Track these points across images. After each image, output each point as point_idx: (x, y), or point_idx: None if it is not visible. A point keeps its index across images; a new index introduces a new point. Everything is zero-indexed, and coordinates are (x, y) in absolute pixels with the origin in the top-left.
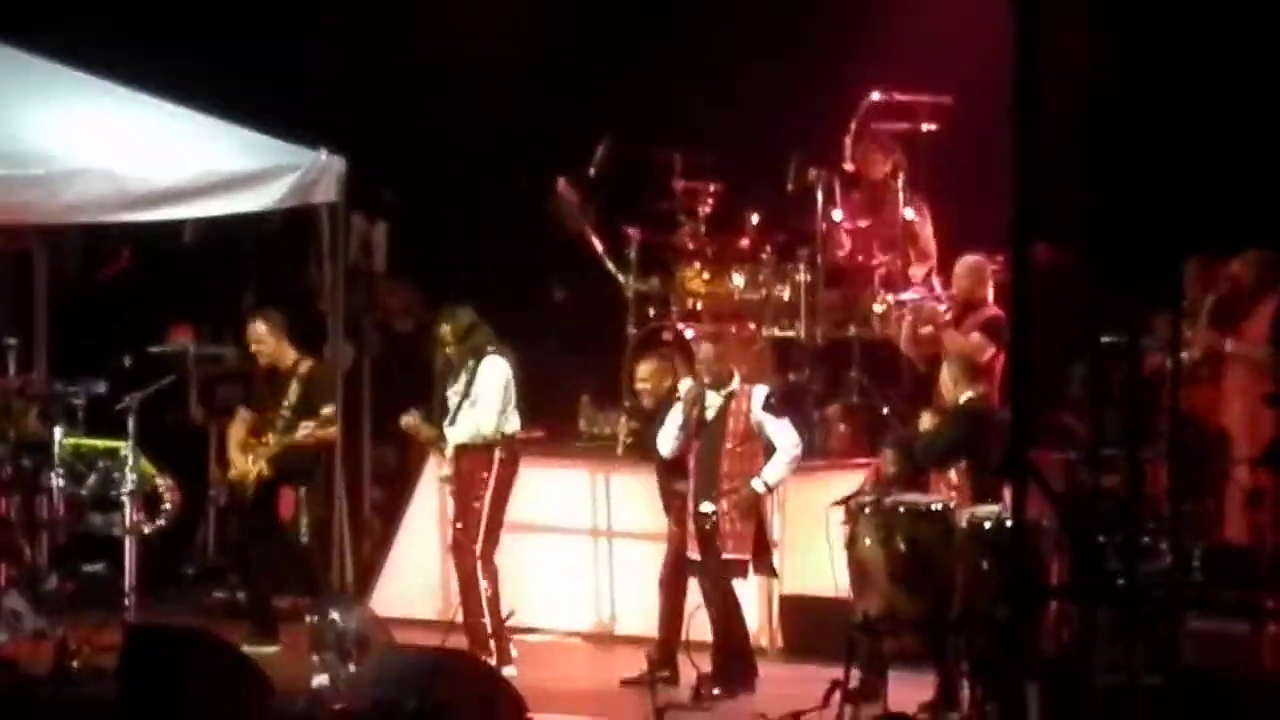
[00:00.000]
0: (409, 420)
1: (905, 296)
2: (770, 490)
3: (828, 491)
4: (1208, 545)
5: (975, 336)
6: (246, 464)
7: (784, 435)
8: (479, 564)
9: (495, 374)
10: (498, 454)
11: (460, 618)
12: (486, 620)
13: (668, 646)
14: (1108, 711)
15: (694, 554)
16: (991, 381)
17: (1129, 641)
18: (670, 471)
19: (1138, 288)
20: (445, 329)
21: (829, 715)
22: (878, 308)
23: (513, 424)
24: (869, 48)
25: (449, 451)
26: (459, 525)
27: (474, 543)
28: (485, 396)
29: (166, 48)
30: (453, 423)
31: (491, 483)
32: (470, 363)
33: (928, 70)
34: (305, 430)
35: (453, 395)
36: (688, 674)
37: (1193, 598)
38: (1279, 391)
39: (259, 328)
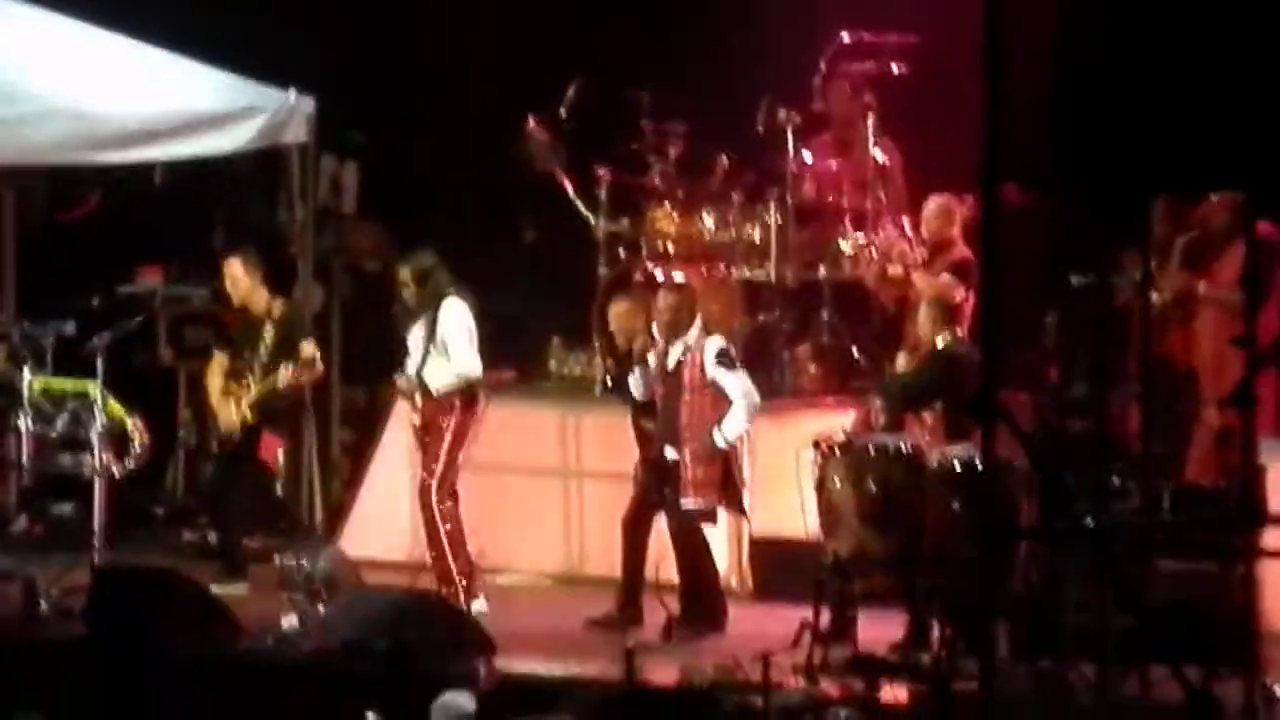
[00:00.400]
0: (404, 383)
1: (875, 237)
2: (730, 445)
3: (798, 432)
4: (1177, 486)
5: (945, 278)
6: (231, 412)
7: (736, 388)
8: (435, 504)
9: (460, 316)
10: (459, 399)
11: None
12: (451, 559)
13: (632, 587)
14: (1077, 651)
15: (665, 501)
16: (963, 323)
17: (1098, 581)
18: (642, 411)
19: (1107, 228)
20: (404, 272)
21: (799, 655)
22: (847, 247)
23: (476, 368)
24: None
25: (418, 399)
26: (423, 467)
27: (435, 484)
28: (456, 339)
29: None
30: (420, 368)
31: (454, 425)
32: (431, 306)
33: (896, 11)
34: (288, 373)
35: (414, 340)
36: (654, 615)
37: (1162, 539)
38: (1248, 333)
39: (236, 266)
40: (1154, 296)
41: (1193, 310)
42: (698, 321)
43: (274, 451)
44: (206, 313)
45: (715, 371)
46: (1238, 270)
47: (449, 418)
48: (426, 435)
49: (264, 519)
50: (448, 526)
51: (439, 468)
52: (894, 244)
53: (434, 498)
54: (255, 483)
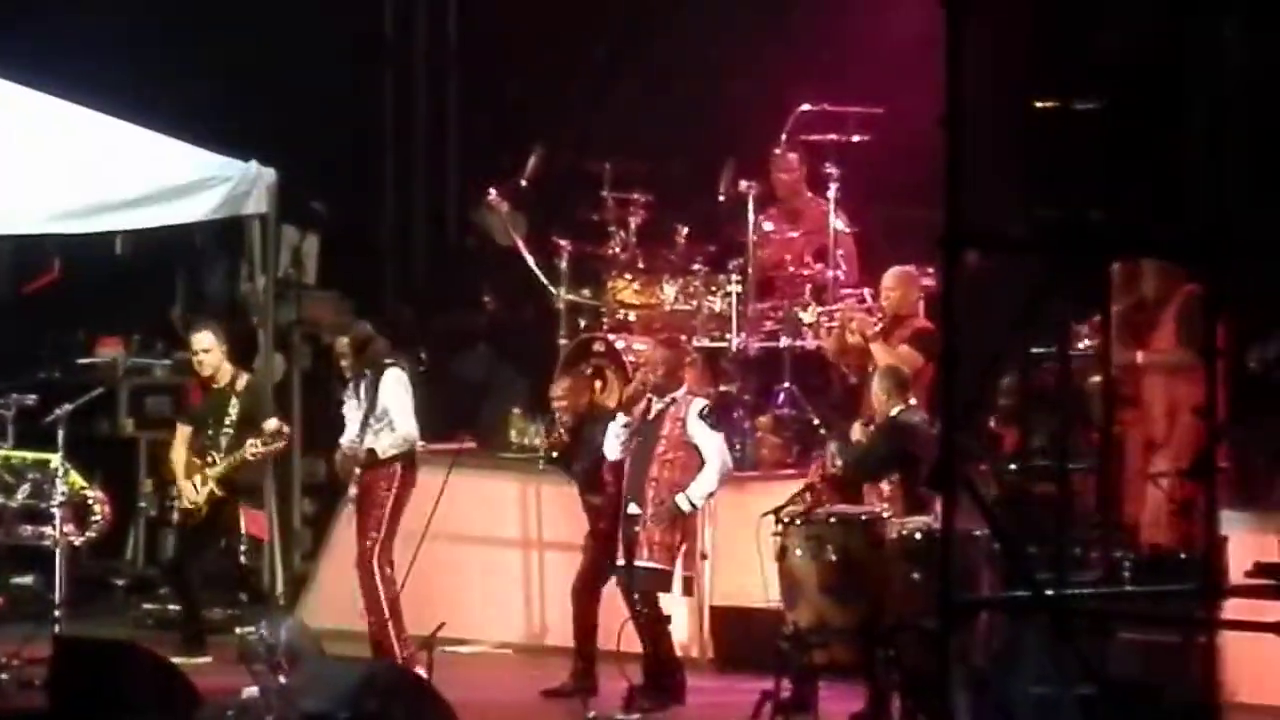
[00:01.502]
0: (346, 451)
1: (834, 307)
2: (695, 509)
3: (759, 502)
4: (1137, 556)
5: (904, 349)
6: (196, 490)
7: (714, 449)
8: (377, 570)
9: (400, 384)
10: (400, 465)
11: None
12: (391, 626)
13: (586, 655)
14: None
15: (620, 559)
16: (920, 393)
17: (1059, 652)
18: (587, 486)
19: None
20: (342, 341)
21: None
22: (806, 317)
23: (416, 435)
24: (800, 59)
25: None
26: (362, 535)
27: (376, 551)
28: (398, 407)
29: (97, 60)
30: (359, 437)
31: (393, 493)
32: (369, 375)
33: (858, 81)
34: (254, 449)
35: (349, 409)
36: (614, 684)
37: (1123, 609)
38: (1208, 404)
39: (208, 336)
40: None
41: (1140, 381)
42: (685, 384)
43: (262, 526)
44: (167, 383)
45: (696, 427)
46: (1173, 332)
47: (389, 484)
48: (363, 502)
49: (225, 588)
50: (388, 593)
51: (380, 535)
52: (853, 314)
53: (375, 564)
54: (219, 555)
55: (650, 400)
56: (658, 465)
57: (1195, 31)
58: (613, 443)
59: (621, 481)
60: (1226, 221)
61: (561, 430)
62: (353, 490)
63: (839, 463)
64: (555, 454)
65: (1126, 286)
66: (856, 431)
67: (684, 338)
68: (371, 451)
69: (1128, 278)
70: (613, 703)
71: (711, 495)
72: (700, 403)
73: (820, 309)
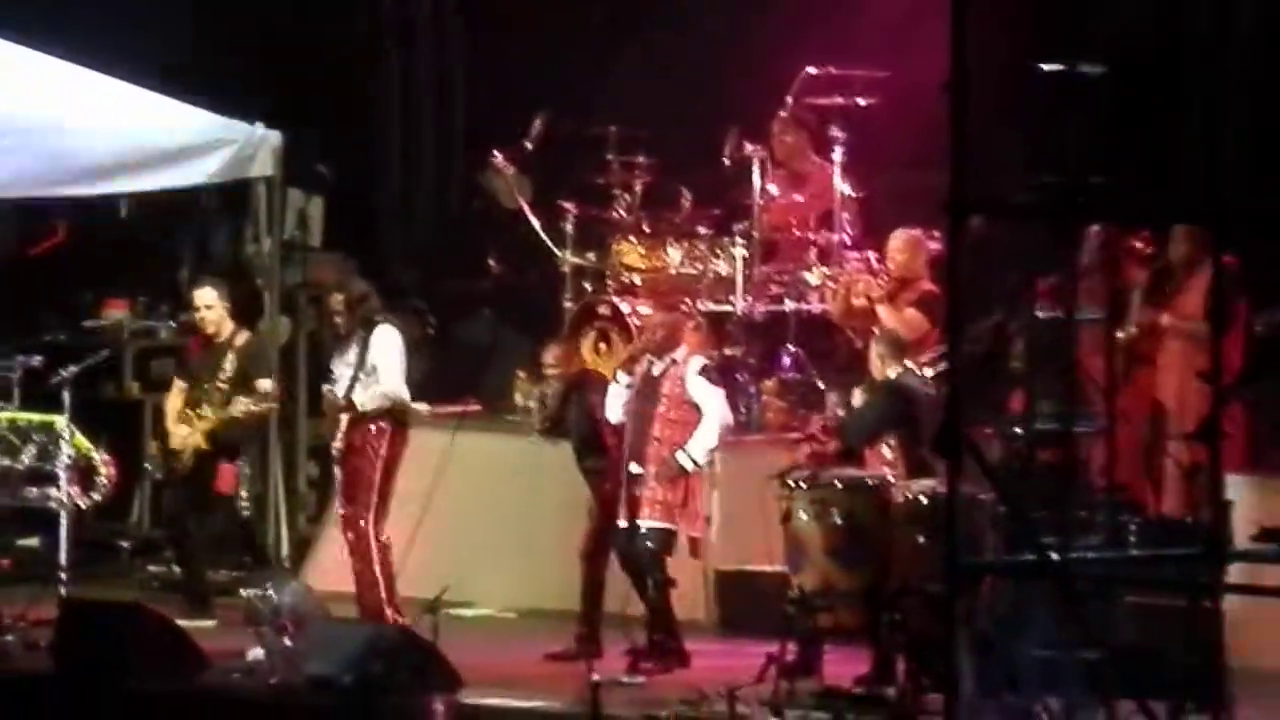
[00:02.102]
0: (330, 399)
1: (840, 271)
2: (698, 466)
3: (763, 465)
4: (1143, 520)
5: (910, 313)
6: (183, 437)
7: (713, 403)
8: (373, 538)
9: (390, 341)
10: (389, 425)
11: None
12: (384, 591)
13: (591, 619)
14: (1043, 686)
15: (622, 520)
16: (922, 357)
17: (1064, 616)
18: (584, 451)
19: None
20: (337, 298)
21: (764, 689)
22: (812, 279)
23: (405, 394)
24: (805, 22)
25: (343, 424)
26: (348, 499)
27: (366, 514)
28: (386, 364)
29: (104, 21)
30: (348, 393)
31: (384, 453)
32: (361, 332)
33: (862, 44)
34: (243, 406)
35: (342, 365)
36: (613, 648)
37: (1128, 573)
38: (1213, 367)
39: (210, 293)
40: (1119, 331)
41: (1157, 344)
42: (684, 346)
43: (230, 481)
44: (173, 345)
45: (695, 383)
46: (1200, 301)
47: (377, 444)
48: (348, 461)
49: (225, 547)
50: (382, 560)
51: (373, 499)
52: (859, 277)
53: (370, 530)
54: (214, 512)
55: (650, 361)
56: (660, 424)
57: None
58: (614, 405)
59: (619, 440)
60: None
61: (546, 403)
62: (337, 444)
63: (840, 412)
64: (547, 428)
65: (1117, 247)
66: (857, 396)
67: (686, 301)
68: (350, 403)
69: (1115, 238)
70: (617, 665)
71: (712, 451)
72: (700, 360)
73: (825, 271)
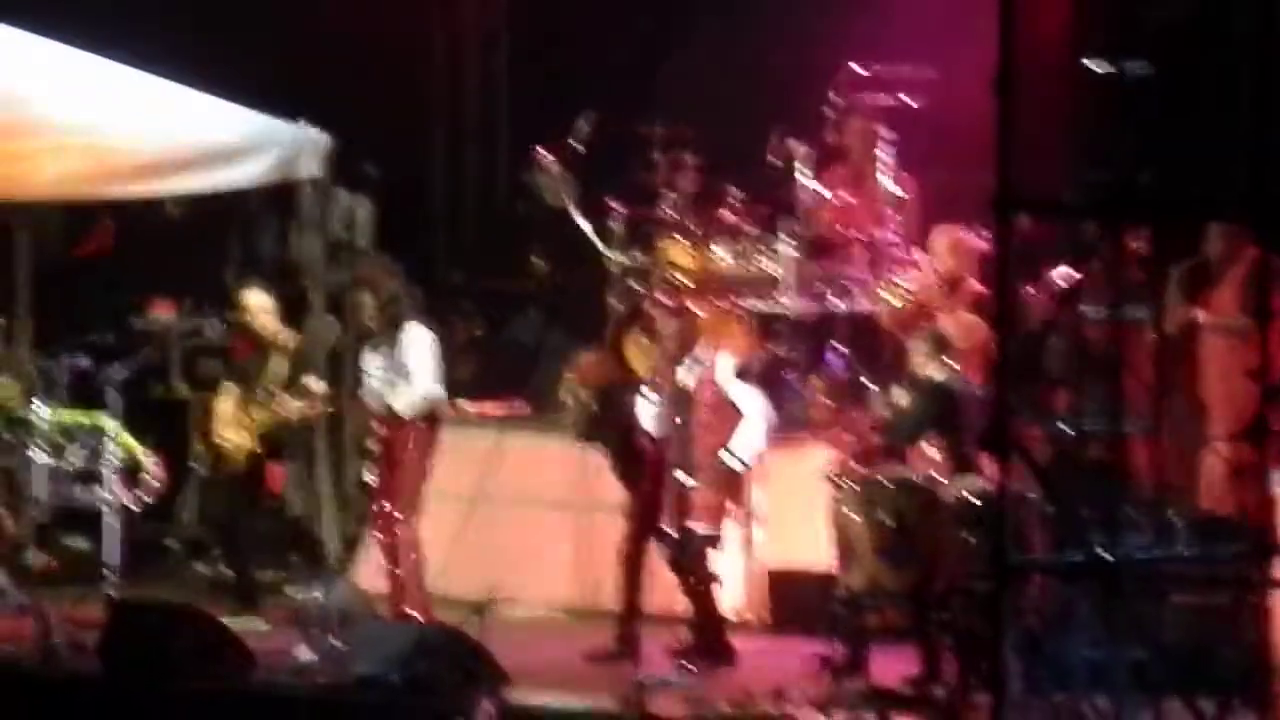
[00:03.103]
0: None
1: (901, 280)
2: (746, 466)
3: (811, 464)
4: (1190, 518)
5: (967, 317)
6: (235, 439)
7: (750, 403)
8: (407, 537)
9: (421, 342)
10: (424, 424)
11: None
12: (416, 590)
13: (630, 619)
14: (1091, 685)
15: (669, 527)
16: (971, 356)
17: (1112, 615)
18: (619, 456)
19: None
20: (368, 298)
21: (813, 689)
22: (890, 297)
23: (439, 393)
24: (851, 22)
25: (376, 425)
26: (384, 498)
27: (401, 514)
28: (418, 364)
29: (150, 23)
30: (380, 394)
31: (418, 453)
32: (391, 332)
33: (909, 42)
34: (296, 407)
35: (370, 364)
36: (657, 648)
37: (1175, 571)
38: (1261, 365)
39: (253, 295)
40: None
41: (1196, 340)
42: (702, 341)
43: (278, 481)
44: (220, 345)
45: (730, 383)
46: (1237, 296)
47: (411, 446)
48: (387, 461)
49: (274, 547)
50: (413, 556)
51: (408, 499)
52: (924, 287)
53: (405, 530)
54: (267, 513)
55: (675, 369)
56: (702, 432)
57: None
58: (646, 415)
59: (655, 445)
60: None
61: (582, 409)
62: (372, 444)
63: (884, 412)
64: (585, 433)
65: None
66: (897, 394)
67: (725, 298)
68: (387, 406)
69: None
70: (664, 665)
71: (759, 451)
72: (728, 359)
73: (893, 284)
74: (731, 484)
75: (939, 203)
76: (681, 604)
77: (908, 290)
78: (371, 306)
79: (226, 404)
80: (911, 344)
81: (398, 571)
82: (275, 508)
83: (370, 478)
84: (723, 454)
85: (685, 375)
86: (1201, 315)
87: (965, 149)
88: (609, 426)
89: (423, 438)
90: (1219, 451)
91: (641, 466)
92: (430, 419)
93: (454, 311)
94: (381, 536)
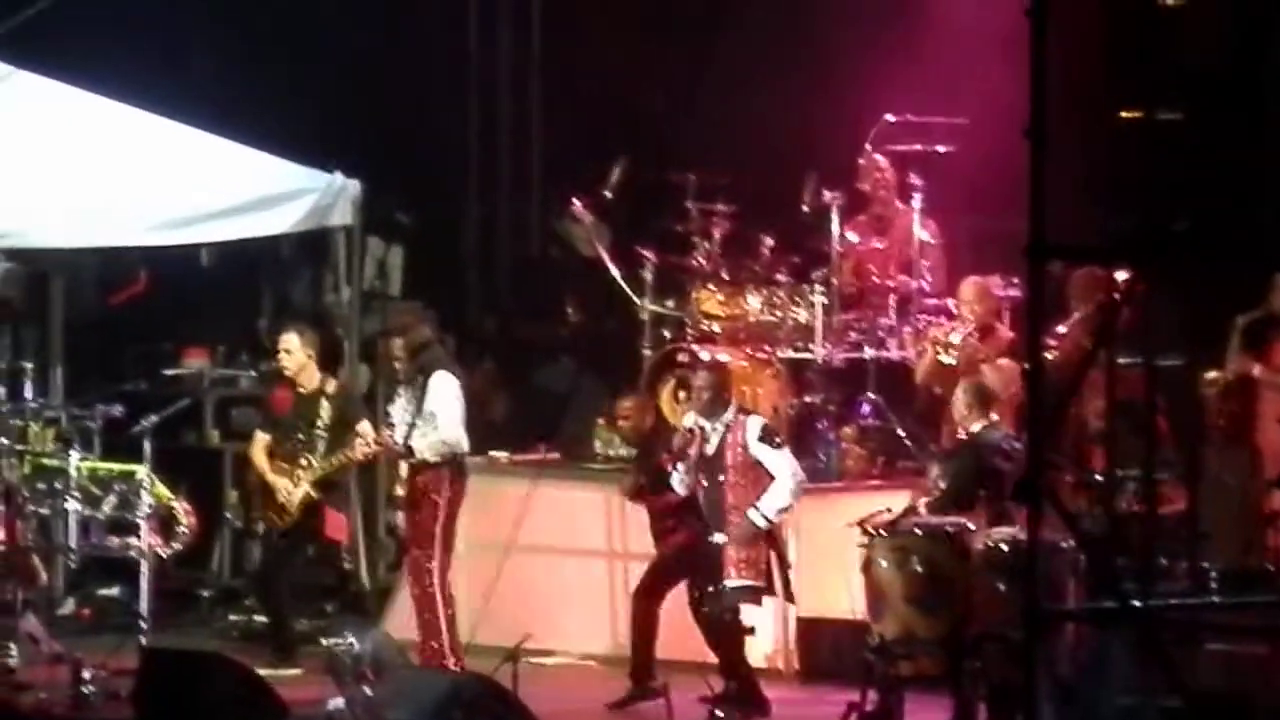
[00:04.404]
0: (386, 436)
1: (940, 334)
2: (771, 523)
3: (843, 513)
4: (1224, 566)
5: (1005, 363)
6: (288, 490)
7: (782, 466)
8: (438, 585)
9: (449, 389)
10: (448, 471)
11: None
12: (446, 638)
13: (643, 660)
14: None
15: (709, 585)
16: (1006, 407)
17: (1146, 663)
18: (655, 494)
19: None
20: (398, 343)
21: None
22: (941, 353)
23: (465, 441)
24: (884, 69)
25: (403, 469)
26: (413, 546)
27: (431, 563)
28: (445, 411)
29: (183, 74)
30: (406, 440)
31: (444, 500)
32: (419, 379)
33: (941, 90)
34: (364, 448)
35: (398, 411)
36: (691, 694)
37: (1210, 620)
38: None
39: (293, 338)
40: (1215, 375)
41: (1253, 391)
42: (734, 402)
43: (341, 528)
44: (253, 394)
45: (758, 449)
46: None
47: (437, 492)
48: (415, 509)
49: (314, 599)
50: (449, 611)
51: (437, 549)
52: (965, 340)
53: (437, 579)
54: (314, 561)
55: (704, 429)
56: (732, 493)
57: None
58: (677, 481)
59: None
60: None
61: (641, 478)
62: (401, 489)
63: (941, 485)
64: (637, 493)
65: (1086, 294)
66: (935, 469)
67: (758, 347)
68: (409, 449)
69: (1089, 284)
70: (695, 713)
71: (786, 510)
72: (757, 422)
73: (929, 333)
74: (767, 537)
75: (970, 249)
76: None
77: (952, 346)
78: (402, 353)
79: (260, 454)
80: (955, 396)
81: (438, 618)
82: (333, 555)
83: (399, 524)
84: (749, 513)
85: (713, 437)
86: (1258, 369)
87: (997, 196)
88: (647, 470)
89: (449, 484)
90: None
91: (676, 514)
92: (455, 465)
93: (486, 359)
94: (412, 583)
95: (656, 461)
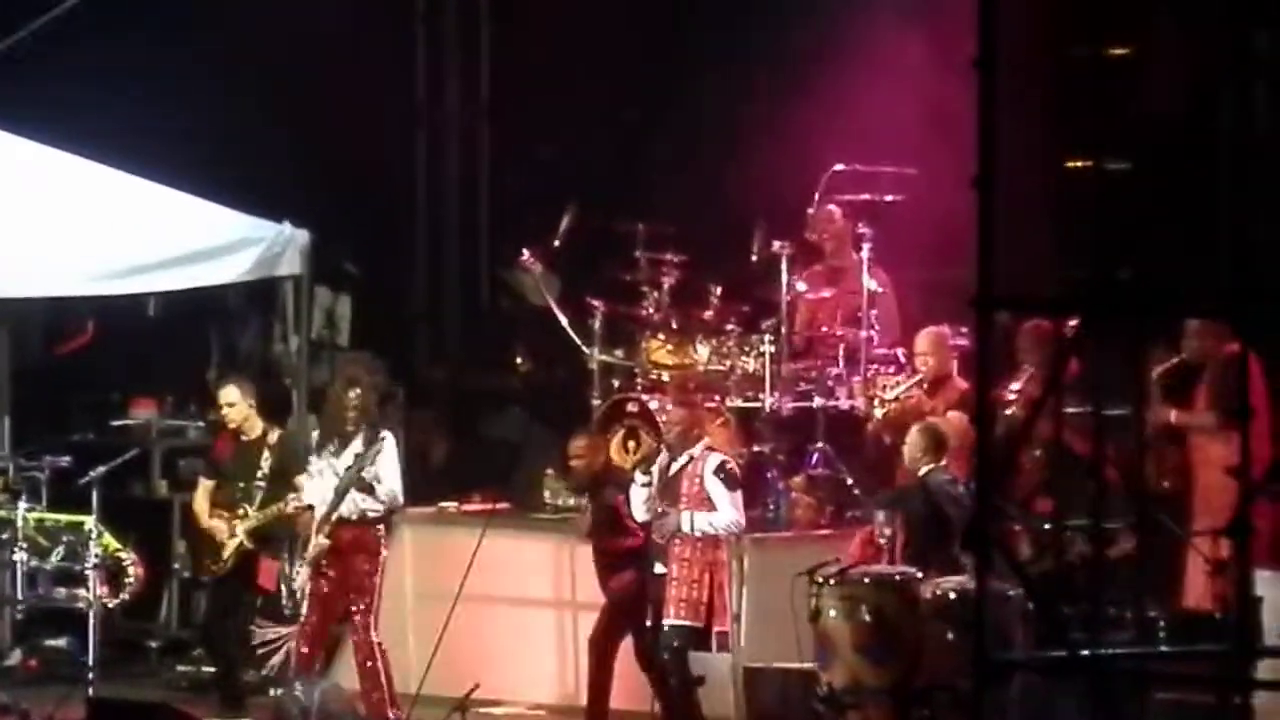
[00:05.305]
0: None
1: (893, 393)
2: (691, 532)
3: (791, 562)
4: (1173, 615)
5: (955, 415)
6: (223, 537)
7: (725, 504)
8: (375, 641)
9: (393, 450)
10: (384, 527)
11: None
12: (387, 691)
13: (598, 710)
14: None
15: (649, 619)
16: (959, 458)
17: (1094, 712)
18: (599, 542)
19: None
20: (355, 394)
21: None
22: (877, 412)
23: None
24: (833, 118)
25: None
26: (355, 602)
27: (371, 615)
28: (393, 468)
29: (131, 124)
30: (340, 493)
31: (380, 557)
32: (369, 433)
33: (890, 141)
34: (296, 502)
35: (324, 465)
36: None
37: (1158, 670)
38: (1243, 461)
39: (232, 390)
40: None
41: (1182, 439)
42: (705, 440)
43: (272, 578)
44: (201, 444)
45: (711, 482)
46: (1206, 395)
47: (376, 546)
48: (348, 564)
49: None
50: (385, 665)
51: (374, 602)
52: (918, 400)
53: (373, 635)
54: (253, 613)
55: (671, 458)
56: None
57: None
58: (639, 505)
59: (640, 533)
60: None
61: (596, 517)
62: (323, 543)
63: (886, 533)
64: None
65: (1034, 346)
66: (879, 516)
67: (708, 397)
68: (363, 512)
69: (1037, 338)
70: None
71: (711, 533)
72: (716, 459)
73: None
74: (711, 579)
75: (919, 299)
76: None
77: (893, 401)
78: (358, 403)
79: (202, 500)
80: (909, 438)
81: (379, 670)
82: (270, 604)
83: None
84: (683, 513)
85: (674, 467)
86: (1174, 416)
87: (945, 246)
88: (594, 512)
89: (385, 536)
90: (1199, 547)
91: (622, 559)
92: (389, 521)
93: (429, 408)
94: (354, 633)
95: (609, 502)
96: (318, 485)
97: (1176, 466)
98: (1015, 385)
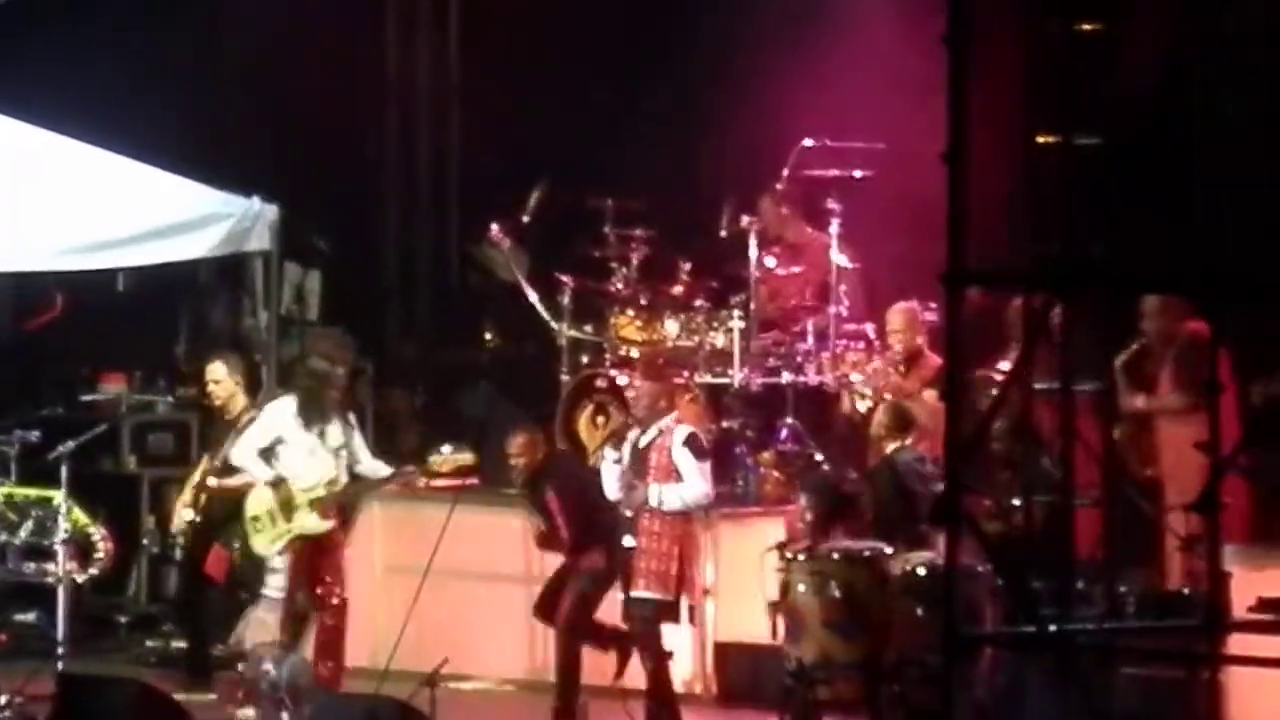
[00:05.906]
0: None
1: (858, 375)
2: (658, 507)
3: (761, 538)
4: (1142, 591)
5: (930, 395)
6: (182, 514)
7: (694, 476)
8: (345, 613)
9: (351, 424)
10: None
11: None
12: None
13: (568, 691)
14: None
15: (619, 592)
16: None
17: (1063, 688)
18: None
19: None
20: (340, 371)
21: None
22: (861, 406)
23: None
24: (802, 94)
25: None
26: (326, 576)
27: (339, 590)
28: (362, 444)
29: (100, 97)
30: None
31: (345, 534)
32: (345, 412)
33: (860, 116)
34: (212, 481)
35: (311, 446)
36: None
37: (1127, 645)
38: (1211, 439)
39: (219, 367)
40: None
41: (1149, 423)
42: (674, 413)
43: (217, 566)
44: (171, 420)
45: (679, 454)
46: (1171, 376)
47: (345, 523)
48: (327, 542)
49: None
50: (330, 624)
51: (341, 577)
52: (889, 378)
53: (344, 612)
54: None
55: (639, 433)
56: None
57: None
58: (609, 480)
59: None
60: (1228, 257)
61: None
62: (327, 524)
63: (808, 517)
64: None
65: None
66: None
67: (674, 370)
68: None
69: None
70: None
71: (678, 508)
72: (685, 430)
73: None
74: (680, 552)
75: (889, 275)
76: (632, 678)
77: (867, 388)
78: (337, 383)
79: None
80: (875, 416)
81: (342, 643)
82: (227, 590)
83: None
84: (651, 487)
85: (643, 440)
86: (1140, 401)
87: (916, 222)
88: (537, 505)
89: (345, 518)
90: (1172, 525)
91: (599, 532)
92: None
93: (399, 386)
94: (338, 623)
95: (544, 502)
96: (309, 463)
97: (1149, 450)
98: (1004, 364)
